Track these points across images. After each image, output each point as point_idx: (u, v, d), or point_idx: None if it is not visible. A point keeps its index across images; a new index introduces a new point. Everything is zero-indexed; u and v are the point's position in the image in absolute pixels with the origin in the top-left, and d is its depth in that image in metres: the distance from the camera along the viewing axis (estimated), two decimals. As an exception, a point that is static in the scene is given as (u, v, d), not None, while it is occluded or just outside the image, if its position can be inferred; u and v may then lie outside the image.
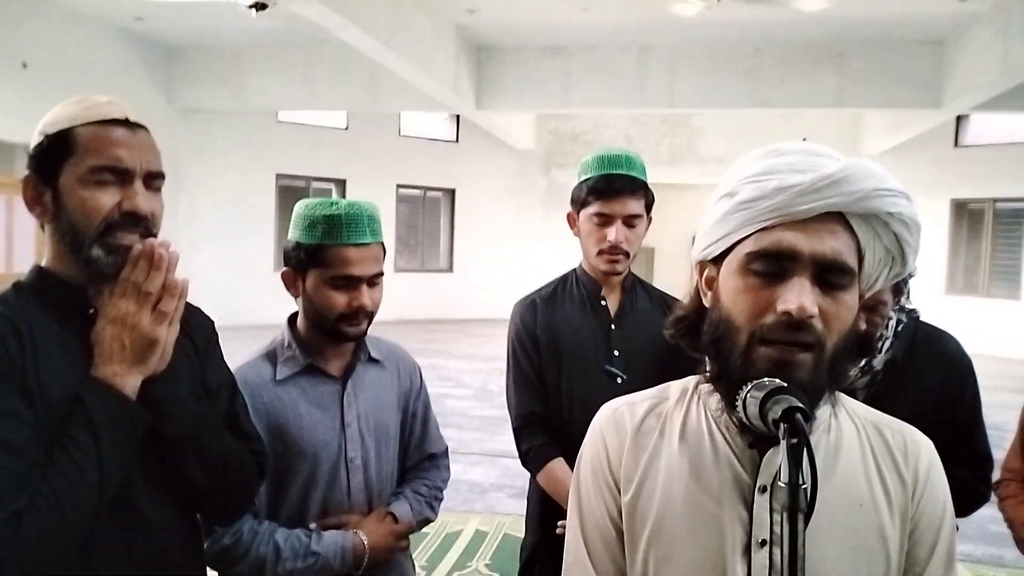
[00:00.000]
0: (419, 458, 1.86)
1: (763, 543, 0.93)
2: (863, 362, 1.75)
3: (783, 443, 0.76)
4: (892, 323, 1.78)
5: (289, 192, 13.33)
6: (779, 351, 0.88)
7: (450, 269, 14.88)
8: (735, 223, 0.93)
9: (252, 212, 12.81)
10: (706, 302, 1.00)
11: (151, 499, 1.19)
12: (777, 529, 0.91)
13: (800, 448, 0.75)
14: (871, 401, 1.75)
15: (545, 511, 1.99)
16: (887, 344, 1.77)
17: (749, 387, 0.85)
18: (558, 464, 1.94)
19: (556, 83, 10.31)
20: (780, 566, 0.90)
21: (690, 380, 1.07)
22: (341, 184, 13.68)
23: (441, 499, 1.86)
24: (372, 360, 1.78)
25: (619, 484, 1.02)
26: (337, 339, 1.68)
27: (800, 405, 0.78)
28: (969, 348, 1.87)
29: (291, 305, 1.76)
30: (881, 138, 12.57)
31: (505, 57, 10.37)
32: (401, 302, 12.94)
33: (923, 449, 1.01)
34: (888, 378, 1.77)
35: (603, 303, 2.08)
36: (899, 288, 1.74)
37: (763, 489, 0.94)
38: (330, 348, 1.71)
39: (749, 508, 0.94)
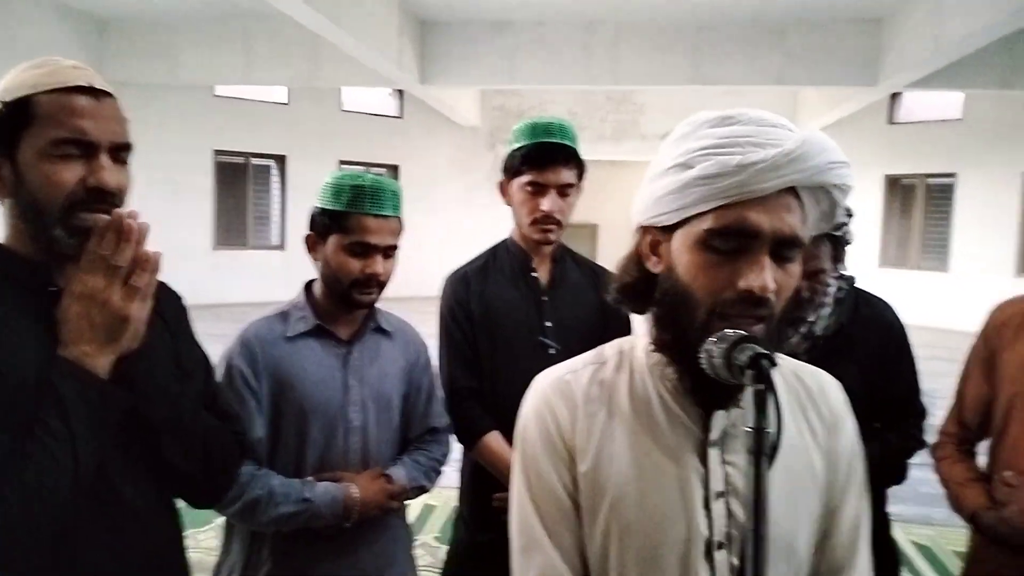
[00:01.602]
0: (421, 431, 1.90)
1: (720, 494, 0.98)
2: (805, 328, 1.80)
3: (749, 388, 0.78)
4: (832, 290, 1.83)
5: (227, 169, 13.02)
6: (736, 323, 0.90)
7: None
8: (693, 197, 0.93)
9: (189, 190, 12.47)
10: (651, 267, 1.01)
11: (131, 482, 1.15)
12: (732, 481, 0.98)
13: (765, 393, 0.78)
14: (814, 364, 1.81)
15: (479, 484, 2.01)
16: (827, 311, 1.82)
17: (712, 340, 0.87)
18: (493, 437, 1.95)
19: (501, 58, 10.24)
20: (735, 514, 0.97)
21: (623, 342, 1.09)
22: (281, 160, 13.42)
23: (439, 472, 1.90)
24: (381, 331, 1.85)
25: (573, 454, 1.02)
26: (349, 305, 1.75)
27: (766, 352, 0.81)
28: (902, 318, 1.94)
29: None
30: (818, 115, 12.83)
31: (450, 31, 10.25)
32: (346, 280, 12.81)
33: (834, 388, 1.11)
34: (829, 343, 1.82)
35: (534, 274, 2.08)
36: (837, 255, 1.78)
37: (715, 444, 0.99)
38: (342, 313, 1.78)
39: (704, 463, 0.98)
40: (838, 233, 1.74)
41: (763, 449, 0.75)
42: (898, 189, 13.45)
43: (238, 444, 1.36)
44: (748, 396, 0.78)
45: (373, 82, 10.89)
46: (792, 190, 0.92)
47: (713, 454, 0.99)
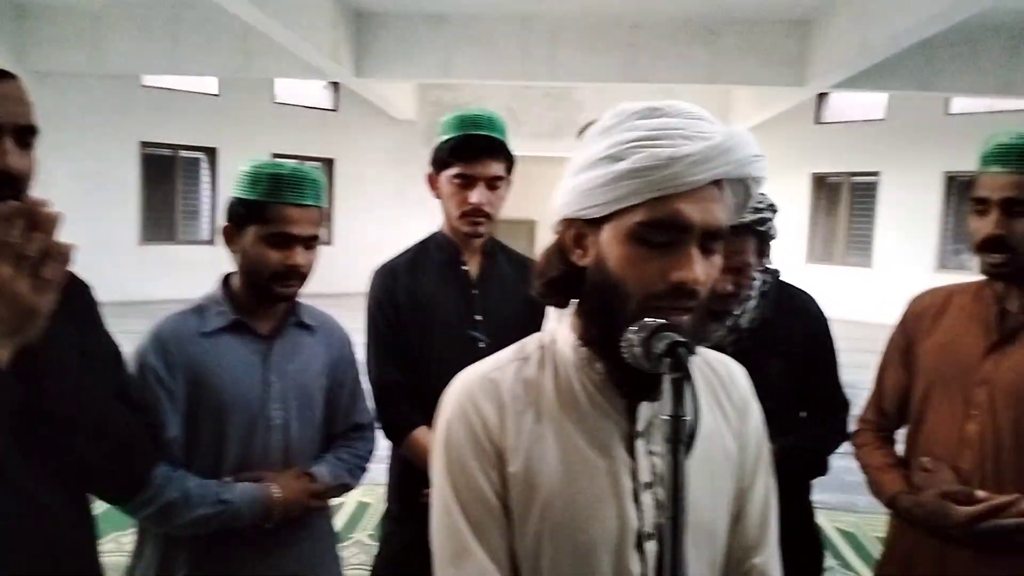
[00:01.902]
0: (345, 427, 1.86)
1: (648, 485, 0.99)
2: (730, 321, 1.83)
3: (666, 376, 0.79)
4: (757, 283, 1.87)
5: (154, 161, 12.63)
6: (666, 315, 0.90)
7: (329, 241, 14.54)
8: (625, 190, 0.92)
9: (114, 183, 12.06)
10: (577, 260, 1.00)
11: (36, 478, 1.10)
12: (660, 471, 0.99)
13: (682, 381, 0.78)
14: (740, 357, 1.84)
15: (407, 480, 1.98)
16: (753, 304, 1.85)
17: (633, 329, 0.87)
18: (421, 432, 1.93)
19: (437, 52, 10.17)
20: (664, 504, 0.94)
21: (543, 336, 1.08)
22: (211, 153, 13.08)
23: (364, 469, 1.86)
24: (303, 325, 1.79)
25: (502, 455, 0.99)
26: (268, 298, 1.69)
27: (683, 340, 0.81)
28: (826, 313, 1.99)
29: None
30: (749, 114, 13.11)
31: (385, 24, 10.12)
32: (279, 276, 12.57)
33: (740, 374, 1.15)
34: (755, 336, 1.85)
35: (464, 268, 2.07)
36: (763, 250, 1.82)
37: (641, 435, 1.00)
38: (261, 307, 1.72)
39: (632, 455, 0.99)
40: (762, 228, 1.77)
41: (680, 437, 0.75)
42: (824, 187, 13.86)
43: (153, 437, 1.31)
44: (666, 384, 0.78)
45: (307, 74, 10.68)
46: (717, 182, 0.93)
47: (640, 445, 0.99)
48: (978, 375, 1.64)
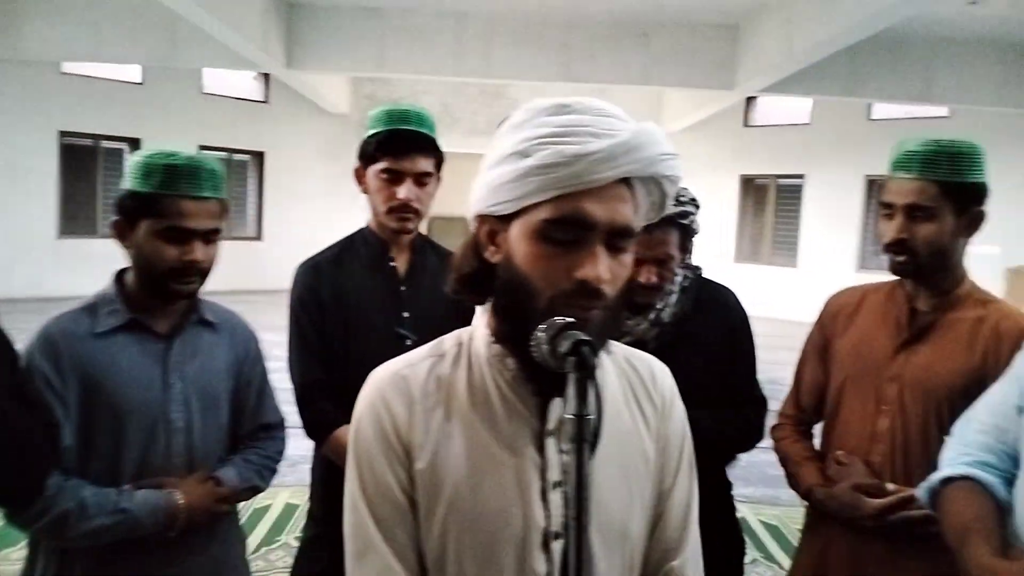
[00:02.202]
0: (252, 428, 1.80)
1: (557, 484, 0.98)
2: (653, 315, 1.85)
3: (571, 375, 0.78)
4: (679, 279, 1.89)
5: (74, 152, 12.13)
6: (574, 312, 0.90)
7: (259, 237, 14.23)
8: (531, 187, 0.92)
9: (30, 174, 11.53)
10: (490, 256, 1.00)
11: None
12: (569, 469, 0.97)
13: (586, 380, 0.77)
14: (661, 351, 1.84)
15: (330, 482, 1.91)
16: (674, 298, 1.88)
17: (541, 327, 0.87)
18: (344, 432, 1.89)
19: (371, 45, 10.04)
20: (572, 503, 0.96)
21: (462, 333, 1.08)
22: (135, 144, 12.61)
23: (274, 470, 1.81)
24: (205, 323, 1.71)
25: (410, 451, 0.99)
26: (166, 296, 1.61)
27: (587, 338, 0.81)
28: (753, 311, 2.02)
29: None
30: (680, 116, 13.34)
31: (317, 15, 9.95)
32: (206, 271, 12.22)
33: (665, 374, 1.14)
34: (676, 330, 1.87)
35: (391, 264, 2.04)
36: (685, 245, 1.84)
37: (552, 433, 0.99)
38: (158, 306, 1.63)
39: (542, 453, 0.99)
40: (685, 221, 1.80)
41: (584, 436, 0.74)
42: (752, 189, 14.20)
43: (51, 438, 1.25)
44: (571, 383, 0.77)
45: (235, 64, 10.42)
46: (625, 180, 0.93)
47: (550, 444, 0.99)
48: (889, 372, 1.69)
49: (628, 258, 0.96)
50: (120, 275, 1.67)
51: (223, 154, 13.83)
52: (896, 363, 1.69)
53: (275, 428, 1.85)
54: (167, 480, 1.59)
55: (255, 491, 1.76)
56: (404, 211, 1.95)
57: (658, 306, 1.86)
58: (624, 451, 1.03)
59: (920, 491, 1.45)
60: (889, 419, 1.68)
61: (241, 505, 4.59)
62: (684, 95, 12.69)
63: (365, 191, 2.03)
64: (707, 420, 1.83)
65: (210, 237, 1.61)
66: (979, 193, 1.64)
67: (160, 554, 1.59)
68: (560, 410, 0.99)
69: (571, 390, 0.76)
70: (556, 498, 0.98)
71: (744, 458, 1.98)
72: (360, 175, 2.03)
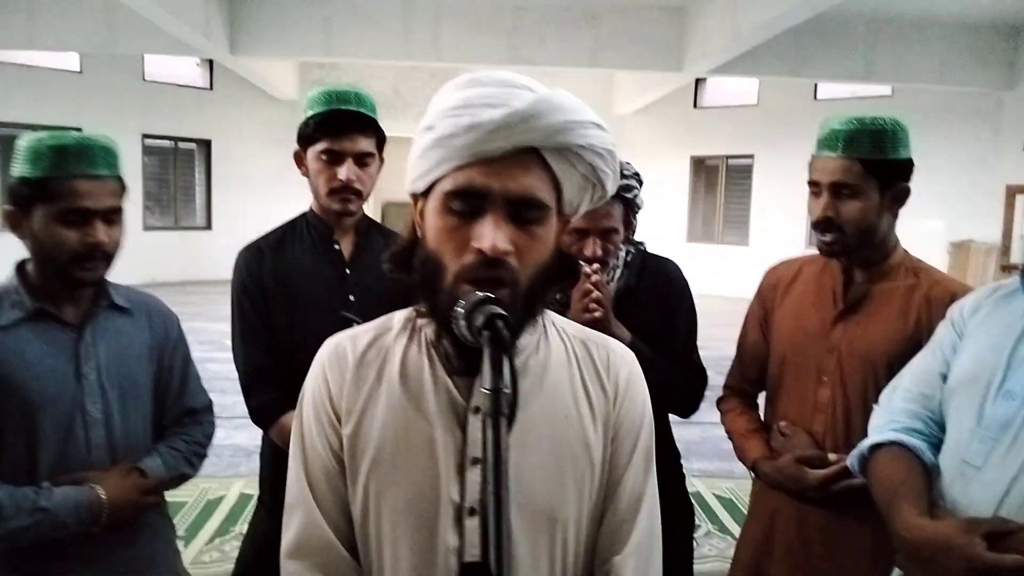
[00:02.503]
0: (178, 414, 1.75)
1: (475, 461, 0.98)
2: None
3: (485, 349, 0.77)
4: (623, 254, 1.90)
5: (9, 143, 11.73)
6: (479, 288, 0.90)
7: (208, 226, 13.96)
8: (434, 160, 0.94)
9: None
10: (420, 235, 1.01)
11: None
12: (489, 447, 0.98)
13: (500, 354, 0.77)
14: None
15: (279, 468, 1.89)
16: (618, 273, 1.89)
17: (461, 303, 0.87)
18: (291, 418, 1.87)
19: (317, 30, 9.87)
20: (491, 481, 0.96)
21: (412, 310, 1.08)
22: (76, 133, 12.27)
23: (203, 455, 1.77)
24: (117, 308, 1.64)
25: (340, 416, 1.03)
26: (71, 284, 1.54)
27: (502, 312, 0.81)
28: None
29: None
30: (631, 99, 13.40)
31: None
32: (153, 262, 11.95)
33: (624, 362, 1.10)
34: (621, 304, 1.88)
35: (336, 247, 2.01)
36: (629, 220, 1.85)
37: (476, 410, 0.99)
38: (65, 294, 1.56)
39: (464, 430, 0.98)
40: (628, 196, 1.81)
41: (500, 410, 0.73)
42: (703, 169, 14.36)
43: None
44: (486, 358, 0.77)
45: (177, 50, 10.16)
46: (536, 152, 0.92)
47: (474, 420, 0.98)
48: (827, 343, 1.73)
49: (541, 231, 0.94)
50: (20, 266, 1.59)
51: (168, 143, 13.53)
52: (834, 334, 1.72)
53: (202, 412, 1.80)
54: (89, 475, 1.53)
55: (184, 479, 1.71)
56: (345, 192, 1.93)
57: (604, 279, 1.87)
58: (560, 435, 1.01)
59: (850, 458, 1.48)
60: (829, 389, 1.71)
61: (194, 496, 4.54)
62: (634, 78, 12.74)
63: (306, 174, 2.00)
64: (665, 364, 1.86)
65: (111, 217, 1.54)
66: (903, 169, 1.67)
67: (85, 552, 1.54)
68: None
69: (486, 364, 0.76)
70: (474, 475, 0.98)
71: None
72: (300, 158, 2.00)
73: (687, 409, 1.95)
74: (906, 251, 1.75)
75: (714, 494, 4.46)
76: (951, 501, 1.28)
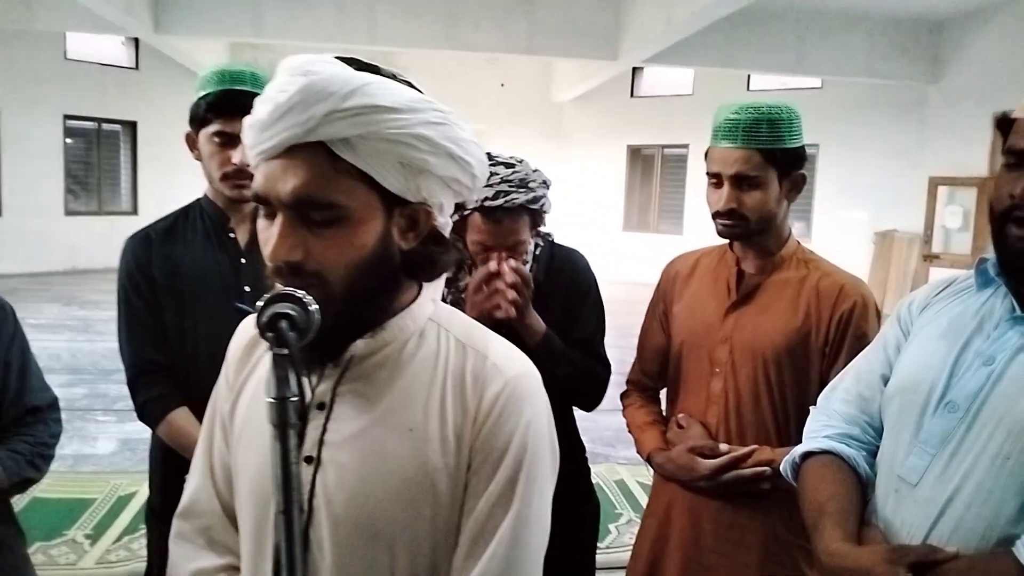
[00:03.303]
0: (18, 413, 1.65)
1: (308, 460, 0.93)
2: None
3: (269, 353, 0.72)
4: (531, 247, 1.87)
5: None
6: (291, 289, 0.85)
7: (134, 211, 13.49)
8: (249, 157, 0.92)
9: None
10: None
11: None
12: (327, 448, 0.93)
13: (287, 359, 0.71)
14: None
15: (170, 469, 1.80)
16: (527, 268, 1.85)
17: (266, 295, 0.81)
18: (180, 414, 1.79)
19: (246, 10, 9.58)
20: (319, 482, 0.93)
21: None
22: (-8, 113, 11.75)
23: (49, 456, 1.67)
24: None
25: (232, 389, 1.07)
26: None
27: (289, 312, 0.75)
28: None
29: None
30: (569, 87, 13.41)
31: (187, -24, 9.44)
32: (75, 249, 11.56)
33: (498, 379, 0.95)
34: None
35: (231, 235, 1.93)
36: (535, 222, 1.82)
37: (320, 406, 0.94)
38: None
39: (306, 425, 0.95)
40: (535, 207, 1.77)
41: (286, 421, 0.68)
42: (639, 158, 14.47)
43: None
44: (268, 362, 0.72)
45: (99, 28, 9.77)
46: (322, 146, 0.85)
47: (315, 417, 0.94)
48: (720, 334, 1.72)
49: (342, 234, 0.87)
50: None
51: (91, 124, 13.03)
52: (726, 325, 1.72)
53: (46, 411, 1.72)
54: None
55: (28, 483, 1.63)
56: (240, 177, 1.84)
57: None
58: (398, 449, 0.92)
59: (783, 464, 1.38)
60: (722, 381, 1.71)
61: (104, 493, 4.36)
62: (572, 66, 12.74)
63: (198, 157, 1.91)
64: (576, 357, 1.84)
65: None
66: (800, 157, 1.67)
67: None
68: (329, 382, 0.95)
69: (270, 371, 0.70)
70: (304, 473, 0.93)
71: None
72: (192, 140, 1.91)
73: (592, 402, 1.93)
74: (798, 242, 1.76)
75: (638, 481, 4.48)
76: (883, 520, 1.18)
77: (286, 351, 0.70)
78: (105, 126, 13.23)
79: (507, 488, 0.92)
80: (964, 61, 10.06)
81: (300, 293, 0.78)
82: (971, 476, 1.07)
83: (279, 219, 0.86)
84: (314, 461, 0.93)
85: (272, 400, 0.69)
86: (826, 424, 1.32)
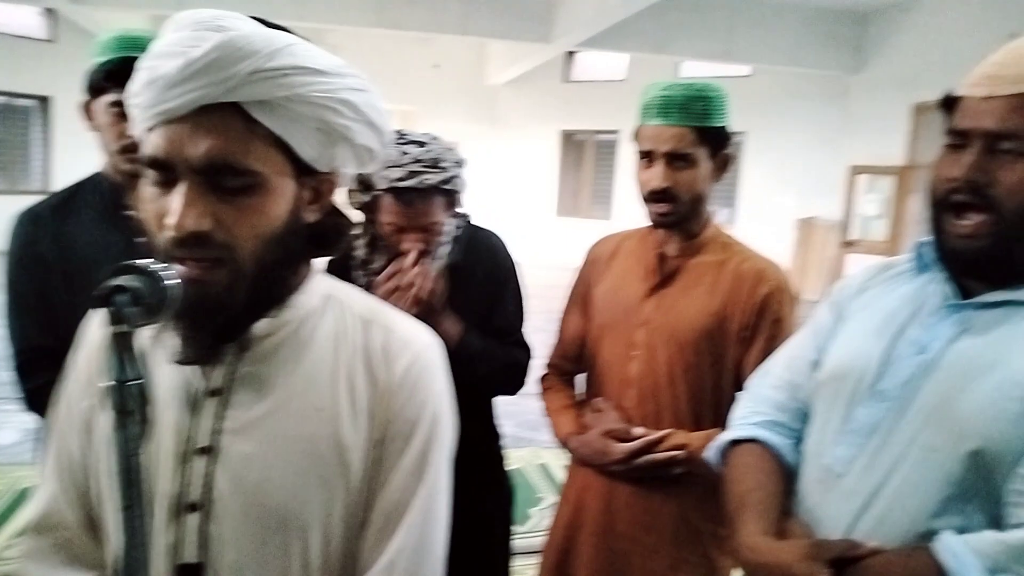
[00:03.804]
0: None
1: (202, 451, 0.88)
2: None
3: (108, 331, 0.65)
4: (449, 229, 1.82)
5: None
6: (188, 267, 0.79)
7: (46, 190, 12.92)
8: (136, 120, 0.84)
9: None
10: None
11: None
12: (221, 437, 0.88)
13: (125, 337, 0.65)
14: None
15: None
16: (446, 249, 1.80)
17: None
18: None
19: (166, -19, 9.23)
20: (215, 473, 0.87)
21: None
22: None
23: None
24: None
25: (92, 393, 0.97)
26: None
27: (127, 285, 0.67)
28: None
29: None
30: (503, 69, 13.33)
31: (102, -56, 9.02)
32: (-17, 229, 10.99)
33: (407, 352, 0.95)
34: (447, 281, 1.80)
35: (128, 212, 1.81)
36: (451, 203, 1.77)
37: (213, 393, 0.88)
38: None
39: (197, 414, 0.89)
40: (449, 187, 1.71)
41: (127, 407, 0.62)
42: (572, 144, 14.50)
43: None
44: (107, 341, 0.65)
45: (8, -4, 9.28)
46: (236, 107, 0.80)
47: (209, 405, 0.88)
48: (639, 317, 1.70)
49: (254, 201, 0.82)
50: None
51: (1, 98, 12.39)
52: (645, 308, 1.69)
53: None
54: None
55: None
56: (137, 150, 1.73)
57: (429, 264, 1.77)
58: (308, 430, 0.89)
59: (709, 452, 1.36)
60: (639, 364, 1.68)
61: (5, 484, 4.17)
62: (506, 48, 12.66)
63: (95, 128, 1.80)
64: (495, 352, 1.81)
65: None
66: (728, 136, 1.66)
67: None
68: (224, 368, 0.89)
69: (109, 352, 0.63)
70: (199, 465, 0.87)
71: None
72: (88, 109, 1.80)
73: (516, 389, 1.91)
74: (718, 226, 1.74)
75: (561, 465, 4.48)
76: (809, 511, 1.16)
77: (124, 328, 0.63)
78: (17, 101, 12.59)
79: (421, 460, 0.93)
80: (885, 52, 10.34)
81: (155, 265, 0.71)
82: (898, 468, 1.05)
83: (183, 186, 0.79)
84: (210, 451, 0.87)
85: (110, 384, 0.63)
86: (754, 410, 1.30)
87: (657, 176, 1.62)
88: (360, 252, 1.80)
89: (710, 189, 1.69)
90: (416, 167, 1.64)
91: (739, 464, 1.25)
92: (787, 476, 1.21)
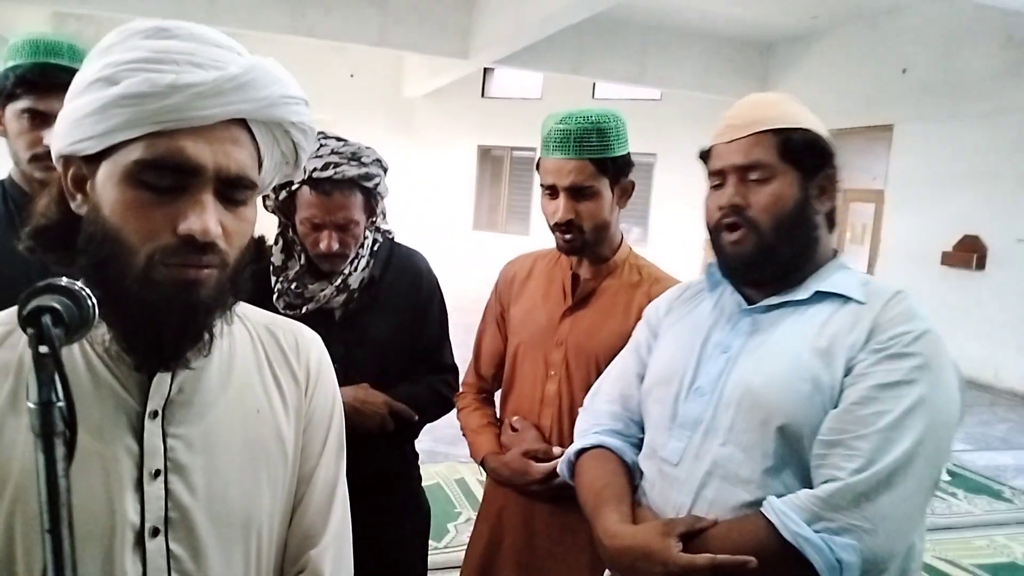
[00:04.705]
0: None
1: (156, 473, 0.85)
2: (339, 280, 1.75)
3: (31, 352, 0.62)
4: (368, 242, 1.81)
5: None
6: (183, 271, 0.80)
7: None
8: (118, 120, 0.79)
9: None
10: (76, 208, 0.86)
11: None
12: (175, 456, 0.86)
13: (49, 358, 0.62)
14: (349, 318, 1.77)
15: None
16: (363, 263, 1.79)
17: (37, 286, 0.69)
18: None
19: (70, -24, 8.86)
20: (176, 493, 0.86)
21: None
22: None
23: None
24: None
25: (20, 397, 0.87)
26: None
27: (53, 305, 0.64)
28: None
29: None
30: (421, 82, 13.31)
31: (0, -66, 8.58)
32: None
33: (313, 346, 1.05)
34: (365, 295, 1.80)
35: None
36: (371, 209, 1.76)
37: (154, 415, 0.86)
38: None
39: (140, 438, 0.85)
40: (368, 184, 1.71)
41: (53, 429, 0.60)
42: (489, 159, 14.61)
43: None
44: (31, 362, 0.62)
45: None
46: (243, 124, 0.83)
47: (151, 427, 0.86)
48: (555, 337, 1.73)
49: (248, 212, 0.87)
50: None
51: None
52: (561, 329, 1.72)
53: None
54: None
55: None
56: (50, 159, 1.66)
57: (345, 271, 1.76)
58: (253, 432, 0.94)
59: (560, 465, 1.49)
60: (556, 383, 1.71)
61: None
62: (424, 61, 12.65)
63: (3, 134, 1.72)
64: (421, 395, 1.83)
65: None
66: (628, 163, 1.70)
67: None
68: (166, 388, 0.87)
69: (32, 373, 0.61)
70: (155, 489, 0.85)
71: None
72: None
73: (443, 415, 1.94)
74: (630, 248, 1.79)
75: (478, 480, 4.49)
76: (653, 501, 1.30)
77: (47, 350, 0.61)
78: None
79: (338, 443, 1.04)
80: (790, 81, 10.85)
81: (77, 285, 0.68)
82: (721, 451, 1.22)
83: (203, 193, 0.80)
84: (167, 472, 0.86)
85: (32, 405, 0.60)
86: (594, 423, 1.45)
87: (560, 208, 1.66)
88: (276, 258, 1.78)
89: (615, 215, 1.74)
90: (334, 159, 1.65)
91: (589, 468, 1.39)
92: (631, 473, 1.37)
